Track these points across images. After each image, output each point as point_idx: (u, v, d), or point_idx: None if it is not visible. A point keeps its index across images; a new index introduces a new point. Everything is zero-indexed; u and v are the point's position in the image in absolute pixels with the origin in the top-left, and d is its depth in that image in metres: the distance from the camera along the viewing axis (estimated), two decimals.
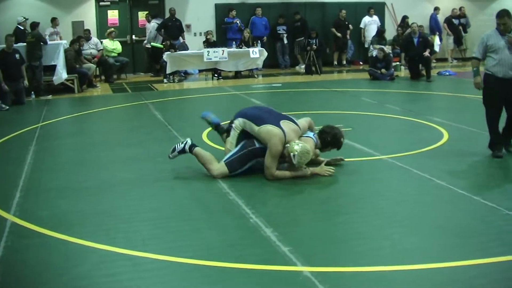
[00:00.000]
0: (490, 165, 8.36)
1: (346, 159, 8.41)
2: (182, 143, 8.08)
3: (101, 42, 20.21)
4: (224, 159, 7.79)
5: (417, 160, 8.50)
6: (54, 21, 19.78)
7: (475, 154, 8.88)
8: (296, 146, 7.45)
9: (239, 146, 7.82)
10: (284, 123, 7.71)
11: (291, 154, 7.46)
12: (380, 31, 21.83)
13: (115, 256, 5.37)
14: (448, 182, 7.31)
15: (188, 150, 7.98)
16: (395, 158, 8.53)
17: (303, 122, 8.14)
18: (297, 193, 7.17)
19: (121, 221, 6.28)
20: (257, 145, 7.75)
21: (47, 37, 17.26)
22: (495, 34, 8.52)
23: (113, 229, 6.02)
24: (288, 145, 7.52)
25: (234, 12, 21.88)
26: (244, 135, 7.89)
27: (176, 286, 4.79)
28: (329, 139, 7.93)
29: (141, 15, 22.42)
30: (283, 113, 8.16)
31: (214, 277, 4.94)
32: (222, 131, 8.55)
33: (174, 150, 8.11)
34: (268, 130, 7.63)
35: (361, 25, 23.40)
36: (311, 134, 8.12)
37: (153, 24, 21.26)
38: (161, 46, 20.08)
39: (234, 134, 7.98)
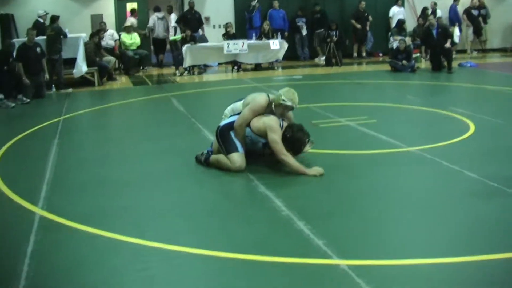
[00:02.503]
0: None
1: (374, 151, 8.35)
2: (202, 155, 8.05)
3: (119, 35, 20.17)
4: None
5: (446, 152, 8.39)
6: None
7: (504, 146, 8.76)
8: (279, 93, 7.76)
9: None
10: None
11: (280, 98, 7.65)
12: (400, 22, 21.70)
13: (147, 250, 5.31)
14: (479, 174, 7.19)
15: (204, 163, 7.97)
16: (423, 150, 8.43)
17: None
18: (328, 187, 7.07)
19: (151, 215, 6.22)
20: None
21: (66, 30, 17.22)
22: None
23: (143, 223, 5.97)
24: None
25: (255, 3, 21.80)
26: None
27: (210, 280, 4.72)
28: (288, 136, 7.58)
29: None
30: None
31: (247, 270, 4.88)
32: None
33: (196, 159, 8.11)
34: (252, 94, 8.00)
35: (390, 15, 23.18)
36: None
37: (154, 16, 21.38)
38: (179, 38, 20.00)
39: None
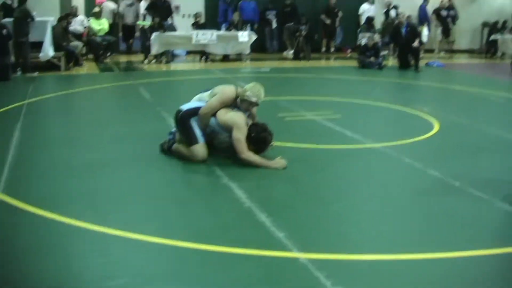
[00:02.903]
0: (483, 157, 8.30)
1: (338, 146, 8.40)
2: (165, 143, 8.01)
3: (88, 20, 20.00)
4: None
5: (410, 149, 8.44)
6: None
7: (467, 145, 8.86)
8: (245, 88, 7.78)
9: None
10: None
11: (246, 94, 7.66)
12: (369, 19, 21.80)
13: (107, 236, 5.26)
14: (442, 172, 7.24)
15: (168, 151, 7.93)
16: (387, 147, 8.48)
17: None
18: (291, 180, 7.06)
19: (113, 201, 6.19)
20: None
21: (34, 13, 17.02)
22: None
23: (105, 209, 5.92)
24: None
25: None
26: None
27: (170, 269, 4.70)
28: (253, 135, 7.53)
29: None
30: None
31: (208, 260, 4.85)
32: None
33: (161, 148, 8.06)
34: (220, 86, 7.98)
35: (360, 11, 23.21)
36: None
37: (122, 3, 21.33)
38: (149, 23, 19.87)
39: None
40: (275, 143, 7.87)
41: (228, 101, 7.69)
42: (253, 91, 7.68)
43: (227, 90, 7.75)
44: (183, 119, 7.68)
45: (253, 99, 7.65)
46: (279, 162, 7.39)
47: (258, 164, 7.35)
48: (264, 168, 7.30)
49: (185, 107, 7.82)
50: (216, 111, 7.61)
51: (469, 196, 6.50)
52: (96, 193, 6.43)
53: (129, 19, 21.57)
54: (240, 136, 7.37)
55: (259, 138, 7.52)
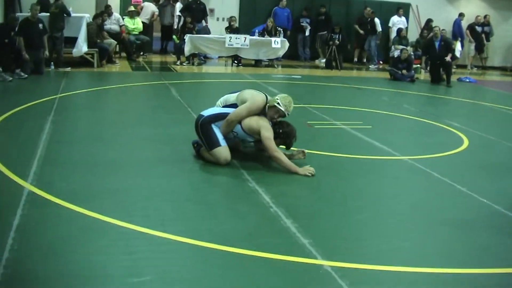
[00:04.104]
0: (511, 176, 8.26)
1: (367, 156, 8.40)
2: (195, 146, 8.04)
3: (123, 19, 20.11)
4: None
5: (438, 163, 8.41)
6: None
7: (496, 163, 8.81)
8: (276, 97, 7.72)
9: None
10: None
11: (275, 103, 7.63)
12: (399, 31, 21.75)
13: (133, 234, 5.30)
14: (469, 188, 7.21)
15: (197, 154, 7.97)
16: (416, 160, 8.45)
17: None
18: (318, 187, 7.08)
19: (140, 199, 6.21)
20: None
21: (70, 9, 17.16)
22: None
23: (132, 207, 5.96)
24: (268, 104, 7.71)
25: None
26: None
27: (194, 269, 4.72)
28: (281, 131, 7.63)
29: None
30: None
31: (233, 263, 4.88)
32: None
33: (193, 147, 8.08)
34: (250, 91, 7.96)
35: (390, 24, 23.11)
36: None
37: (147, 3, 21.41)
38: (176, 40, 19.92)
39: None
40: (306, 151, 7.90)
41: (257, 111, 7.68)
42: (284, 101, 7.66)
43: (257, 100, 7.70)
44: (204, 124, 7.68)
45: (282, 108, 7.63)
46: (307, 169, 7.40)
47: (287, 166, 7.40)
48: (293, 174, 7.31)
49: (206, 113, 7.82)
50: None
51: (496, 214, 6.47)
52: (123, 191, 6.47)
53: (166, 20, 21.72)
54: (269, 134, 7.42)
55: (285, 132, 7.61)
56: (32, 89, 12.88)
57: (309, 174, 7.34)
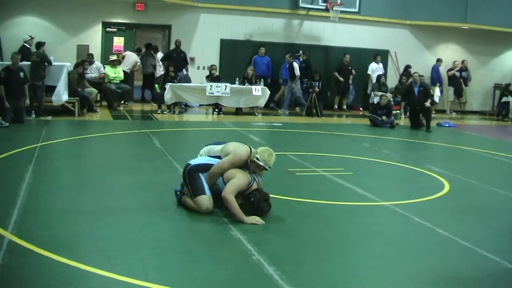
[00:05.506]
0: (493, 218, 8.30)
1: (348, 203, 8.43)
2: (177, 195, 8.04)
3: (104, 68, 20.15)
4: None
5: (419, 208, 8.45)
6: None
7: (477, 206, 8.87)
8: (256, 151, 7.75)
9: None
10: None
11: (255, 158, 7.64)
12: (379, 77, 21.94)
13: (116, 283, 5.27)
14: (451, 232, 7.25)
15: (178, 202, 7.96)
16: (397, 205, 8.48)
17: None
18: (300, 234, 7.08)
19: (122, 248, 6.18)
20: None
21: (51, 57, 17.18)
22: None
23: (114, 255, 5.92)
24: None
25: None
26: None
27: None
28: (252, 200, 7.52)
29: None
30: None
31: None
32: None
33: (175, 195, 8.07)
34: (234, 144, 7.94)
35: (369, 71, 23.36)
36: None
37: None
38: (157, 89, 19.96)
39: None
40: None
41: (240, 163, 7.70)
42: (263, 155, 7.69)
43: (240, 153, 7.70)
44: (190, 173, 7.70)
45: (261, 163, 7.66)
46: (255, 219, 7.32)
47: (235, 212, 7.31)
48: (272, 222, 7.32)
49: (193, 162, 7.84)
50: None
51: (478, 256, 6.49)
52: (105, 239, 6.42)
53: (147, 69, 22.03)
54: (236, 181, 7.42)
55: (257, 206, 7.52)
56: (13, 138, 12.84)
57: (258, 223, 7.25)
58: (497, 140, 17.53)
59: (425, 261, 6.34)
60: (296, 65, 21.20)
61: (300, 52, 22.26)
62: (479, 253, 6.58)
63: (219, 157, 7.82)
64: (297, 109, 22.37)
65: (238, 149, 7.76)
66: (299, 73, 21.21)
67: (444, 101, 24.53)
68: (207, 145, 8.32)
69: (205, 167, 7.69)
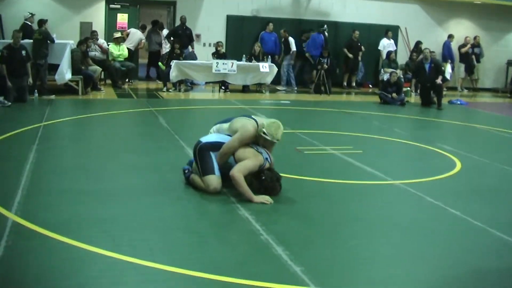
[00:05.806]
0: (504, 198, 8.15)
1: (358, 181, 8.34)
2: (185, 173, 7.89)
3: (108, 45, 19.97)
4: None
5: (431, 187, 8.30)
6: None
7: (489, 185, 8.72)
8: (264, 123, 7.55)
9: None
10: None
11: (261, 132, 7.44)
12: (389, 54, 21.74)
13: (121, 264, 5.15)
14: (463, 212, 7.10)
15: (186, 180, 7.81)
16: (408, 184, 8.32)
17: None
18: (309, 214, 6.93)
19: (128, 229, 6.05)
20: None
21: (54, 35, 16.97)
22: None
23: (119, 236, 5.79)
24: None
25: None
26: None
27: None
28: (264, 178, 7.35)
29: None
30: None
31: None
32: None
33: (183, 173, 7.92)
34: (241, 120, 7.70)
35: (380, 47, 23.11)
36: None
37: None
38: (163, 67, 19.80)
39: None
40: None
41: (249, 139, 7.51)
42: (269, 129, 7.47)
43: (247, 129, 7.50)
44: (201, 150, 7.54)
45: (268, 138, 7.46)
46: (263, 197, 7.18)
47: (243, 190, 7.15)
48: (282, 202, 7.19)
49: (204, 139, 7.68)
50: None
51: (490, 237, 6.36)
52: (110, 220, 6.30)
53: (152, 46, 21.91)
54: (246, 163, 7.27)
55: (269, 185, 7.37)
56: (16, 118, 12.70)
57: (267, 202, 7.11)
58: (510, 118, 17.29)
59: (437, 243, 6.19)
60: (292, 40, 21.06)
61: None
62: (491, 234, 6.44)
63: (229, 135, 7.66)
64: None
65: (245, 125, 7.56)
66: (295, 49, 21.07)
67: (456, 78, 24.28)
68: (216, 123, 8.17)
69: (217, 146, 7.52)
